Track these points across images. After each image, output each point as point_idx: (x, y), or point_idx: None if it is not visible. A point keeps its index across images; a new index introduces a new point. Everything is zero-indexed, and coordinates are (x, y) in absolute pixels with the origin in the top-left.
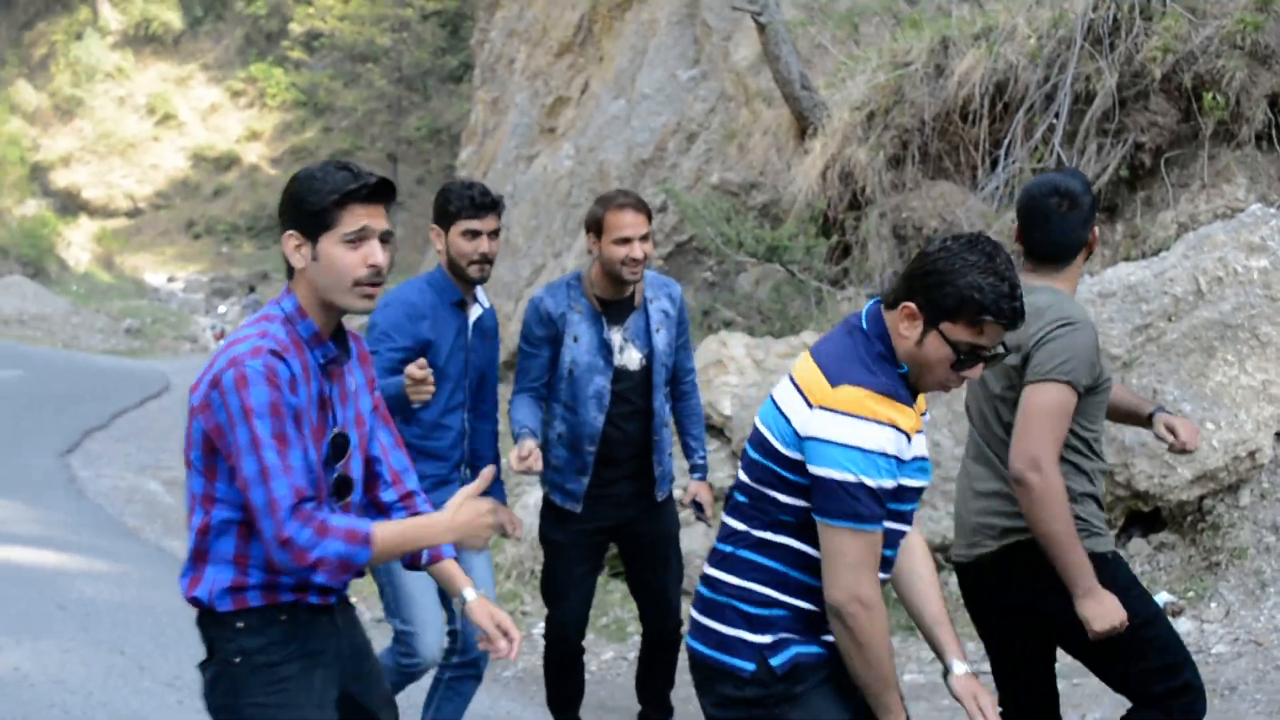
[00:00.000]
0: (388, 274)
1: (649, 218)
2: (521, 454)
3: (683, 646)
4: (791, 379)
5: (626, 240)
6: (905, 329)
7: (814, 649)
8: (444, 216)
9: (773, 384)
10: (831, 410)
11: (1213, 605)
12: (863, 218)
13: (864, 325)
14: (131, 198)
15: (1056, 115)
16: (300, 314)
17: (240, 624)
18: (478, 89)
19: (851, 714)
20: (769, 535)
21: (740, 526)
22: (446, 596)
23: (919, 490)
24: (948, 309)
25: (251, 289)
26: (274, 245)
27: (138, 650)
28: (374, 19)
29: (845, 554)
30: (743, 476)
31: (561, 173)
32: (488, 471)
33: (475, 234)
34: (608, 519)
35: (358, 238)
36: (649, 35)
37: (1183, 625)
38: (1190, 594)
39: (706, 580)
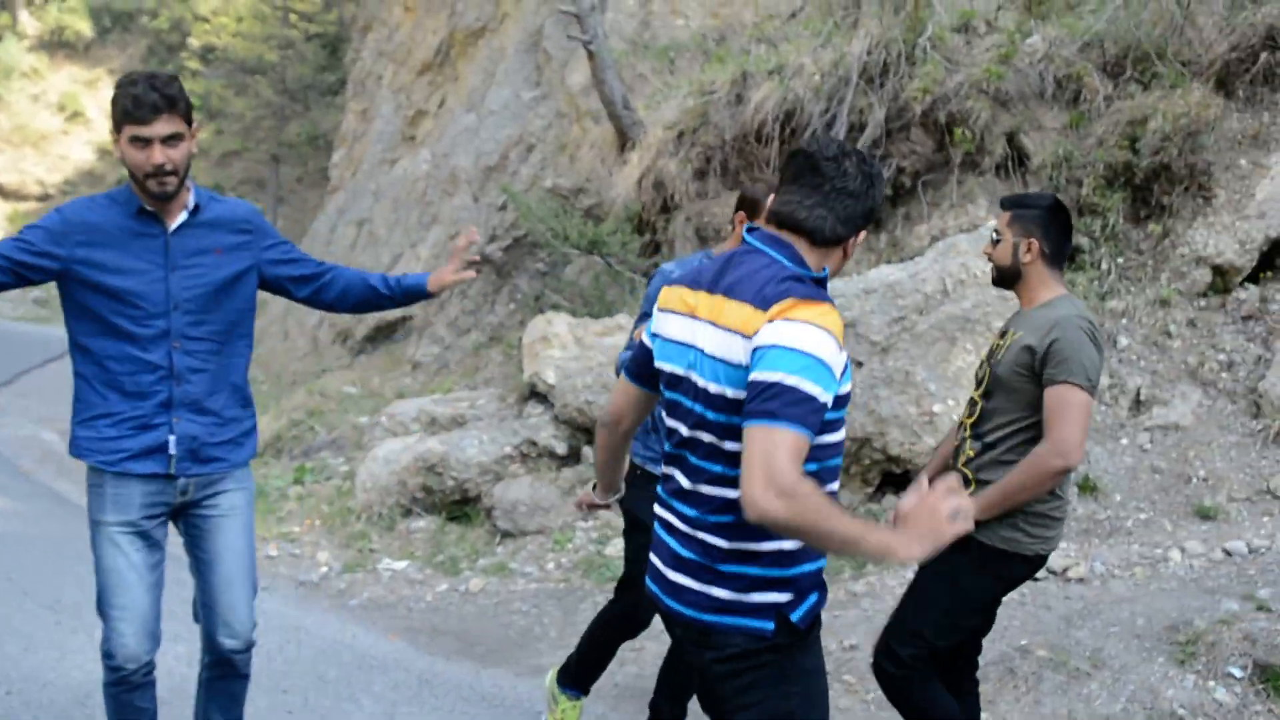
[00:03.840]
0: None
1: None
2: None
3: None
4: (712, 324)
5: None
6: (853, 251)
7: (818, 595)
8: (113, 124)
9: (590, 358)
10: (786, 319)
11: None
12: (671, 220)
13: (769, 251)
14: (42, 184)
15: None
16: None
17: None
18: (350, 100)
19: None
20: None
21: (714, 492)
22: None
23: (850, 394)
24: (867, 219)
25: None
26: None
27: (22, 576)
28: (263, 37)
29: (764, 451)
30: (726, 445)
31: (419, 175)
32: None
33: (144, 142)
34: None
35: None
36: (498, 60)
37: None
38: None
39: (690, 542)
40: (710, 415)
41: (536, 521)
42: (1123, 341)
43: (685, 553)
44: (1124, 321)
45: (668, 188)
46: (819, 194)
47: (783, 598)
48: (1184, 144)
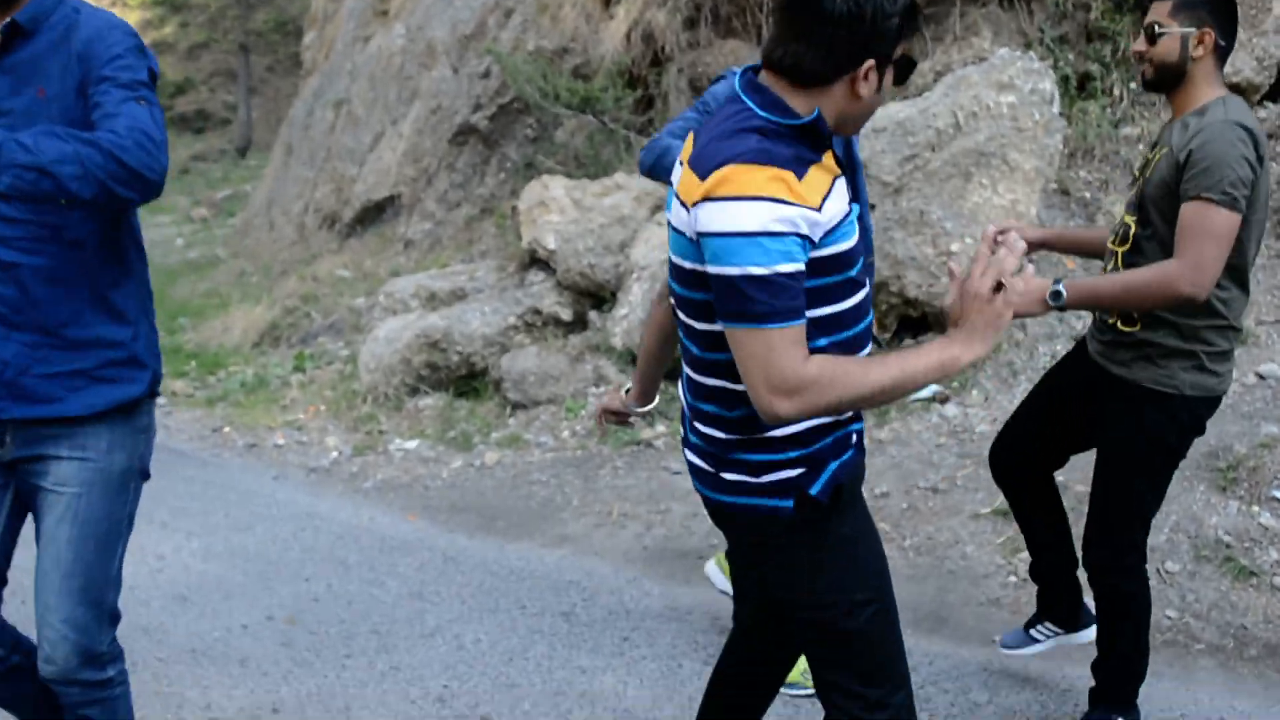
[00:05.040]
0: None
1: None
2: None
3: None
4: (677, 194)
5: None
6: (865, 88)
7: (848, 455)
8: None
9: (590, 220)
10: (703, 201)
11: (974, 393)
12: (663, 73)
13: (745, 98)
14: None
15: None
16: None
17: None
18: None
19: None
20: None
21: (696, 377)
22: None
23: (854, 251)
24: (899, 39)
25: None
26: None
27: None
28: None
29: (753, 356)
30: (699, 325)
31: (395, 50)
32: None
33: None
34: None
35: None
36: None
37: (950, 409)
38: (955, 385)
39: (692, 426)
40: (679, 290)
41: (547, 390)
42: None
43: (692, 437)
44: (1139, 147)
45: (658, 40)
46: (797, 26)
47: (794, 473)
48: None
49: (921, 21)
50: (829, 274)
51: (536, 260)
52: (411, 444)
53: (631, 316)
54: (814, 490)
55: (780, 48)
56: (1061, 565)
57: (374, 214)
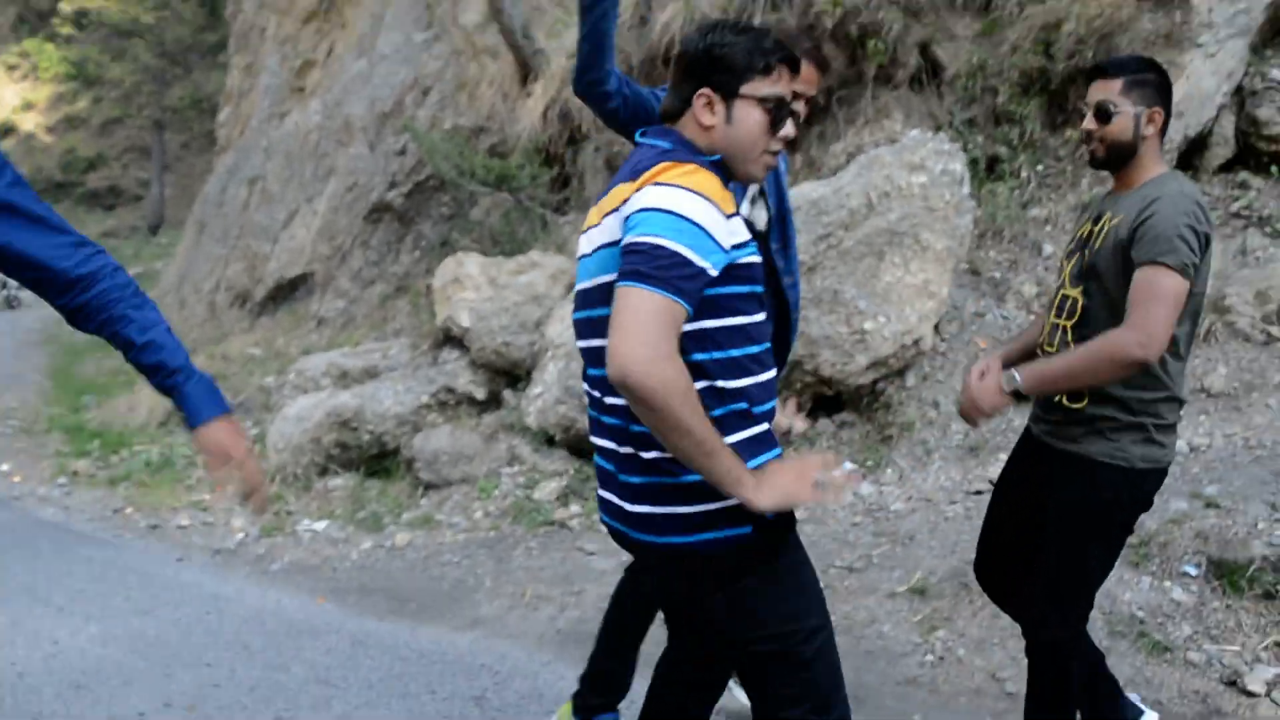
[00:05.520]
0: None
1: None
2: None
3: None
4: (594, 226)
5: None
6: (709, 118)
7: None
8: None
9: (504, 298)
10: (655, 183)
11: (889, 471)
12: (579, 152)
13: (653, 142)
14: None
15: None
16: None
17: None
18: (233, 55)
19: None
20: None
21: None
22: None
23: (759, 268)
24: (741, 69)
25: None
26: (52, 205)
27: None
28: None
29: (635, 311)
30: (597, 342)
31: (311, 127)
32: None
33: None
34: None
35: None
36: (386, 3)
37: (865, 488)
38: (869, 463)
39: (620, 461)
40: (589, 314)
41: (460, 470)
42: (1047, 249)
43: (624, 477)
44: (1048, 229)
45: (574, 118)
46: (670, 75)
47: (718, 505)
48: (1098, 47)
49: (779, 62)
50: (741, 282)
51: (451, 338)
52: (320, 525)
53: (546, 395)
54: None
55: (665, 99)
56: (1093, 663)
57: (287, 292)
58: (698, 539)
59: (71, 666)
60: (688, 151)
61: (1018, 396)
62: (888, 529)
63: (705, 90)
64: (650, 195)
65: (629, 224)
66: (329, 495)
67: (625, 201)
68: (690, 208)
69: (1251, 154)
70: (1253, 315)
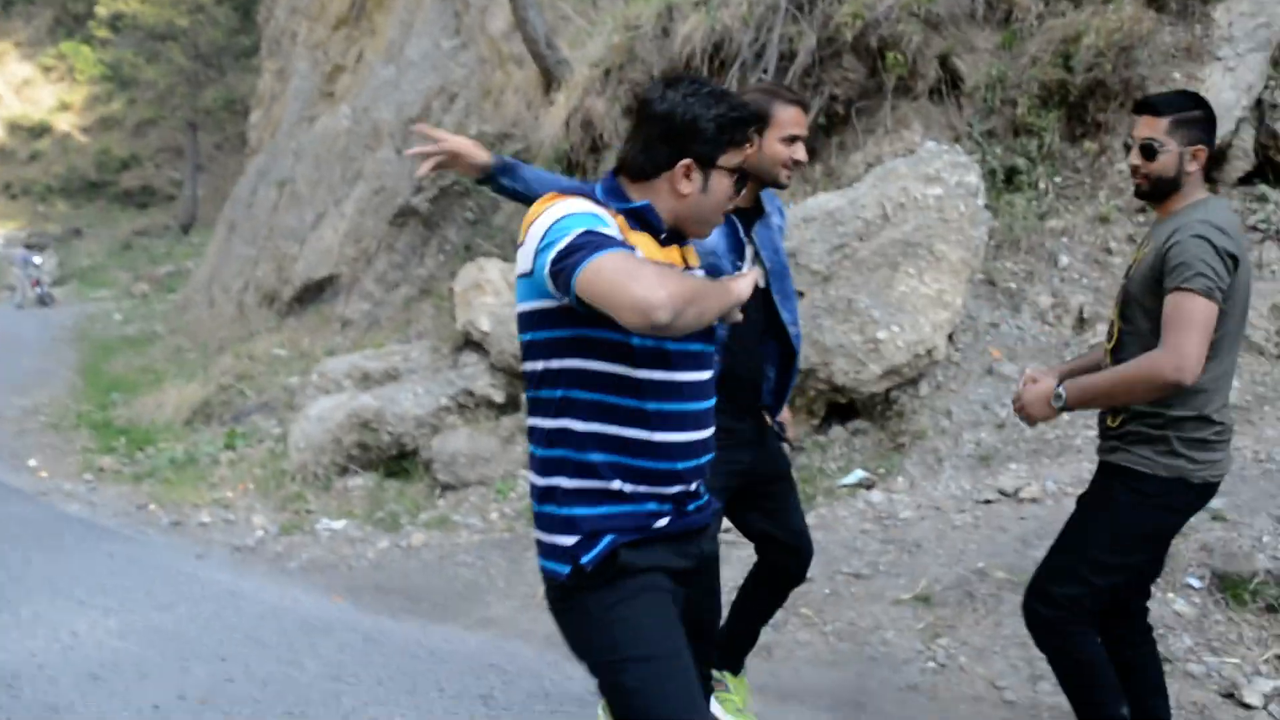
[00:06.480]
0: None
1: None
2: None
3: None
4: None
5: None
6: (686, 186)
7: (637, 537)
8: None
9: None
10: (533, 220)
11: (899, 479)
12: (601, 159)
13: (594, 188)
14: None
15: (765, 71)
16: None
17: None
18: (265, 60)
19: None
20: (558, 423)
21: (535, 422)
22: None
23: None
24: (722, 142)
25: (28, 246)
26: (86, 205)
27: None
28: (173, 1)
29: (610, 279)
30: (525, 367)
31: (340, 131)
32: None
33: None
34: None
35: None
36: (415, 10)
37: (875, 496)
38: (881, 470)
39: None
40: (520, 338)
41: (477, 472)
42: (1064, 260)
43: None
44: (1064, 240)
45: (596, 126)
46: (634, 125)
47: (569, 540)
48: (1118, 60)
49: (750, 134)
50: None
51: (471, 342)
52: (339, 524)
53: None
54: (585, 559)
55: (624, 146)
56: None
57: (313, 293)
58: (541, 562)
59: (89, 658)
60: (612, 196)
61: (1064, 409)
62: (896, 536)
63: (688, 161)
64: (543, 221)
65: (542, 250)
66: (348, 495)
67: (529, 226)
68: (581, 208)
69: (1271, 167)
70: (1267, 329)
